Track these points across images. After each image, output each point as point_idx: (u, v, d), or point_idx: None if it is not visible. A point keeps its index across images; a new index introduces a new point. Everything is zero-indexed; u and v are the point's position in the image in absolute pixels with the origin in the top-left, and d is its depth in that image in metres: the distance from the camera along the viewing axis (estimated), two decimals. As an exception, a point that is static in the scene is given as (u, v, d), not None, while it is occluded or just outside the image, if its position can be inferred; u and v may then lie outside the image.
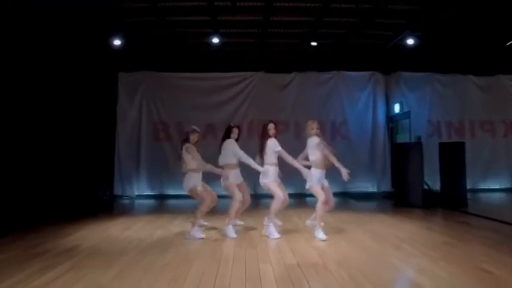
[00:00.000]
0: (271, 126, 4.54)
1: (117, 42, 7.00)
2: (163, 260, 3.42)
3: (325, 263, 3.30)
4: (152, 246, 3.97)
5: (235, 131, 4.81)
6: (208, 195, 4.52)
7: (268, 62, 9.05)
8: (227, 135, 4.78)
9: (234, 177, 4.69)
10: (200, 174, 4.60)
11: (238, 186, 4.75)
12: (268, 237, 4.36)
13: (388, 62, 9.13)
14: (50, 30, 6.90)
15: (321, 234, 4.29)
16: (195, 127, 4.73)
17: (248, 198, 4.95)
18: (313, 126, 4.47)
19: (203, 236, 4.35)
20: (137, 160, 8.97)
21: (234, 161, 4.70)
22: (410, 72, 9.20)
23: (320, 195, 4.40)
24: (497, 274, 2.95)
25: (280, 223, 5.05)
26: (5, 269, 3.16)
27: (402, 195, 6.86)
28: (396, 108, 8.79)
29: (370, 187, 9.12)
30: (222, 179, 4.69)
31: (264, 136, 4.52)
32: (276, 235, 4.40)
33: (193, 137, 4.62)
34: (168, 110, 9.05)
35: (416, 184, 6.64)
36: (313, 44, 7.34)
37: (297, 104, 9.08)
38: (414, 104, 9.00)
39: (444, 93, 9.20)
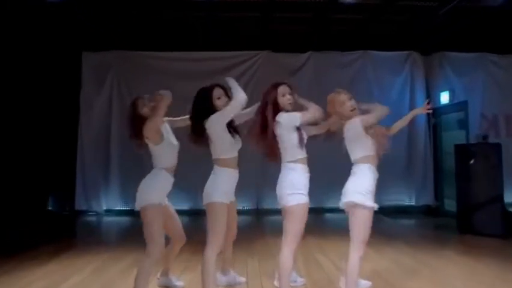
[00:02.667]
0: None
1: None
2: None
3: None
4: None
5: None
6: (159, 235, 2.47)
7: (275, 38, 6.99)
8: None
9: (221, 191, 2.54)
10: (166, 178, 2.59)
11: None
12: None
13: (428, 39, 7.09)
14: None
15: None
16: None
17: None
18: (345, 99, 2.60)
19: None
20: (106, 164, 6.95)
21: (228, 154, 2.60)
22: (456, 52, 7.17)
23: (364, 234, 2.44)
24: None
25: (301, 280, 3.07)
26: None
27: (468, 217, 4.86)
28: (444, 97, 6.77)
29: (407, 200, 7.13)
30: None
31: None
32: None
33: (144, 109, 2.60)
34: (146, 99, 7.02)
35: (491, 203, 4.64)
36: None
37: (312, 92, 6.94)
38: (462, 92, 6.97)
39: (502, 79, 7.15)
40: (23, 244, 4.54)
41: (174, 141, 2.69)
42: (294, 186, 2.38)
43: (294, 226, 2.40)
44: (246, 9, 6.18)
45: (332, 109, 2.61)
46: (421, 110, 2.95)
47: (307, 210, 2.42)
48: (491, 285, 3.04)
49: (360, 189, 2.45)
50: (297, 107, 2.60)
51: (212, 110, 2.53)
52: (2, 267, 3.48)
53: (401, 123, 2.88)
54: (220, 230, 2.48)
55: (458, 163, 5.03)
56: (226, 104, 2.52)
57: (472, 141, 5.79)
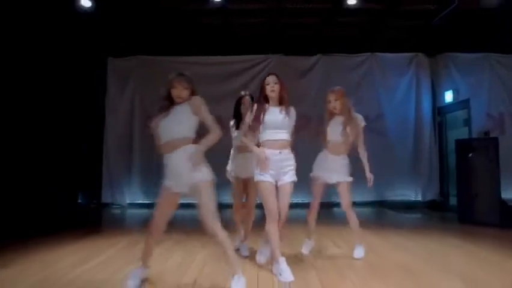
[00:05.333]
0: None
1: (86, 3, 5.51)
2: None
3: None
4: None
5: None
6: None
7: (286, 42, 7.43)
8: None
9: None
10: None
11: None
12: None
13: (434, 41, 7.38)
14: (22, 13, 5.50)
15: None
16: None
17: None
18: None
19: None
20: (129, 162, 7.48)
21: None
22: (461, 53, 7.42)
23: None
24: None
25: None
26: None
27: (468, 209, 5.13)
28: (448, 96, 7.03)
29: (413, 195, 7.38)
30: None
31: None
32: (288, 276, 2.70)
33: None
34: (166, 101, 7.54)
35: (489, 194, 4.90)
36: (352, 2, 5.62)
37: (321, 94, 7.34)
38: (468, 92, 7.16)
39: (507, 78, 7.35)
40: (56, 229, 4.99)
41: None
42: None
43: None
44: (259, 15, 6.64)
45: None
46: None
47: (261, 185, 2.88)
48: (486, 266, 3.24)
49: None
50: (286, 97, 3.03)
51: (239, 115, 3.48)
52: (38, 246, 3.90)
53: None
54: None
55: (458, 157, 5.31)
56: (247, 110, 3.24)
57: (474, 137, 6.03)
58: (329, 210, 6.85)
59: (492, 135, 6.84)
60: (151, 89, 7.57)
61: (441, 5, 6.16)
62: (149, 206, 7.32)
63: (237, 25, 6.99)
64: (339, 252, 3.72)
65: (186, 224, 5.23)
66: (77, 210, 6.72)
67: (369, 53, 7.55)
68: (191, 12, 6.54)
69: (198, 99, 2.59)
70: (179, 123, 2.55)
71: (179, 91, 2.57)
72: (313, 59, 7.56)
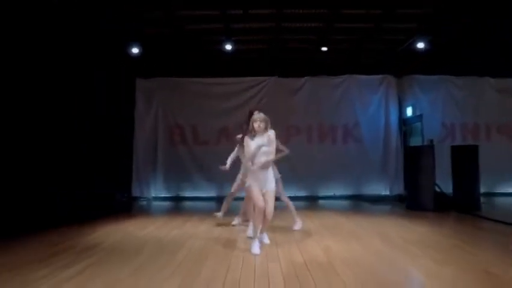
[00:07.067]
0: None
1: (135, 50, 7.30)
2: (177, 259, 3.61)
3: (331, 263, 3.42)
4: (168, 246, 4.16)
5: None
6: None
7: (280, 67, 9.19)
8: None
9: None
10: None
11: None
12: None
13: (400, 65, 9.13)
14: (69, 40, 7.30)
15: None
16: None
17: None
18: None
19: None
20: (154, 163, 9.22)
21: None
22: (423, 75, 9.17)
23: None
24: (505, 278, 2.99)
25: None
26: (30, 263, 3.41)
27: (414, 198, 6.86)
28: (409, 111, 8.77)
29: (383, 190, 9.12)
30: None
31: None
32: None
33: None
34: (183, 114, 9.28)
35: (427, 187, 6.62)
36: (324, 49, 7.44)
37: (309, 108, 9.18)
38: (428, 106, 8.94)
39: (459, 96, 9.12)
40: (100, 215, 6.46)
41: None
42: None
43: None
44: (259, 52, 8.41)
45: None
46: None
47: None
48: (410, 232, 4.89)
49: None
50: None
51: None
52: (104, 223, 5.62)
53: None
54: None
55: (407, 160, 7.04)
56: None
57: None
58: (315, 202, 8.64)
59: (445, 142, 8.61)
60: (172, 104, 9.35)
61: (407, 37, 7.91)
62: (171, 199, 9.12)
63: (243, 58, 8.77)
64: (312, 225, 5.47)
65: (204, 210, 7.00)
66: (116, 202, 8.50)
67: (347, 75, 9.28)
68: (207, 49, 8.32)
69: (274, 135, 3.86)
70: (270, 153, 3.82)
71: (259, 123, 3.82)
72: (303, 80, 9.28)
